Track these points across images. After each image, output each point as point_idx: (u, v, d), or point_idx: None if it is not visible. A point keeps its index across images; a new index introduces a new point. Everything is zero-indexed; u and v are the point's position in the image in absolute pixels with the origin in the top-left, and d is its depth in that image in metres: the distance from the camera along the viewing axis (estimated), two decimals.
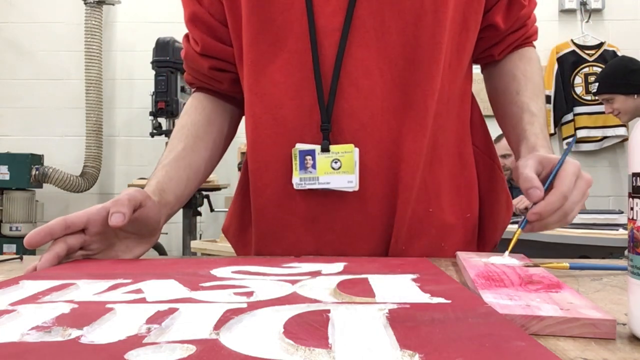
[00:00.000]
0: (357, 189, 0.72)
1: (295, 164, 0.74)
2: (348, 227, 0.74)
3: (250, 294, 0.42)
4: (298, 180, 0.74)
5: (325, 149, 0.73)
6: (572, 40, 3.91)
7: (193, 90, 0.92)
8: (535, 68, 0.87)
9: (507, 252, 0.61)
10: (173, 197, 0.77)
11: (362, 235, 0.74)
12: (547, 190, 0.64)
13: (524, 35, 0.87)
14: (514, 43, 0.87)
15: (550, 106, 3.91)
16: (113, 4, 3.98)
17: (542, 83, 0.87)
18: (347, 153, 0.72)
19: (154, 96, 3.49)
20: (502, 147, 3.09)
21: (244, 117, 0.83)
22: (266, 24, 0.75)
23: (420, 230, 0.76)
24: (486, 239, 0.85)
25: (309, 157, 0.74)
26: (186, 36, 0.88)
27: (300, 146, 0.74)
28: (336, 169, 0.73)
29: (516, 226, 0.66)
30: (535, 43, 0.91)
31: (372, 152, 0.73)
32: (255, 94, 0.77)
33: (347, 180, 0.72)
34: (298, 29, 0.74)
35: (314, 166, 0.74)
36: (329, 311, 0.36)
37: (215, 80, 0.87)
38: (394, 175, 0.74)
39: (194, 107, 0.88)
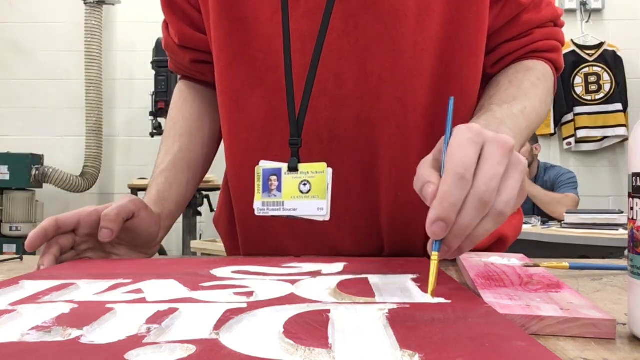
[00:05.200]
0: (327, 218, 0.61)
1: (258, 185, 0.64)
2: (330, 232, 0.70)
3: (250, 294, 0.42)
4: (260, 205, 0.63)
5: (293, 168, 0.62)
6: (572, 41, 3.91)
7: (179, 77, 0.88)
8: (529, 76, 0.70)
9: (428, 294, 0.41)
10: (175, 204, 0.75)
11: (346, 239, 0.72)
12: None
13: (527, 45, 0.73)
14: (512, 54, 0.73)
15: (550, 106, 3.90)
16: (113, 4, 3.98)
17: (533, 90, 0.69)
18: (319, 174, 0.61)
19: (154, 96, 3.49)
20: None
21: None
22: (236, 22, 0.70)
23: (410, 234, 0.71)
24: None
25: (273, 178, 0.63)
26: (165, 23, 0.83)
27: (264, 164, 0.64)
28: (305, 193, 0.62)
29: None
30: None
31: (348, 168, 0.68)
32: (228, 98, 0.73)
33: (316, 207, 0.61)
34: (269, 29, 0.68)
35: (279, 188, 0.63)
36: (329, 311, 0.36)
37: (199, 72, 0.83)
38: (373, 191, 0.69)
39: (184, 99, 0.84)
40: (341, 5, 0.65)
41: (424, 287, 0.43)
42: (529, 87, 0.68)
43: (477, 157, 0.43)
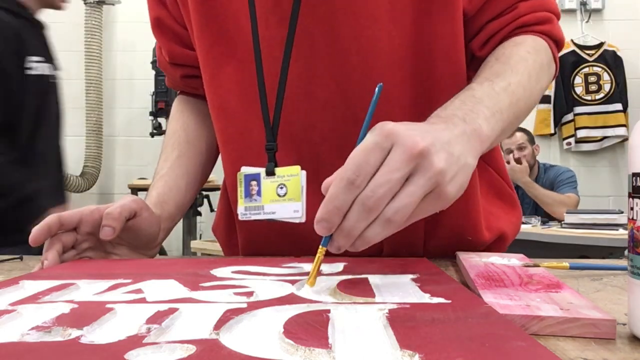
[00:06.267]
0: (303, 220, 0.61)
1: (240, 190, 0.65)
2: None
3: (250, 294, 0.42)
4: (243, 210, 0.65)
5: (270, 172, 0.63)
6: (572, 41, 3.91)
7: (177, 93, 0.91)
8: (518, 51, 0.66)
9: (306, 285, 0.44)
10: (174, 207, 0.76)
11: None
12: None
13: (512, 21, 0.69)
14: (499, 33, 0.70)
15: (551, 106, 3.91)
16: (113, 4, 3.98)
17: (521, 64, 0.65)
18: (293, 176, 0.62)
19: (154, 96, 3.49)
20: (511, 142, 3.09)
21: None
22: (218, 34, 0.72)
23: (410, 234, 0.69)
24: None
25: (254, 183, 0.65)
26: (159, 44, 0.86)
27: (245, 170, 0.65)
28: (282, 196, 0.63)
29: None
30: None
31: (333, 169, 0.69)
32: (216, 108, 0.75)
33: (292, 210, 0.61)
34: (247, 38, 0.69)
35: (259, 193, 0.64)
36: (329, 311, 0.36)
37: (191, 87, 0.86)
38: None
39: (181, 111, 0.87)
40: (313, 10, 0.66)
41: (424, 287, 0.43)
42: (517, 61, 0.65)
43: (378, 162, 0.43)
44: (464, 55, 0.71)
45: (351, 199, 0.43)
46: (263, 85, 0.67)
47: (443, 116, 0.53)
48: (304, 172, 0.62)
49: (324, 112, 0.69)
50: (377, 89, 0.50)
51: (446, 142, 0.46)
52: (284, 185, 0.62)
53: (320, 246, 0.45)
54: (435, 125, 0.50)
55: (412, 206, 0.43)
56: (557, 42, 0.73)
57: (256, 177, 0.64)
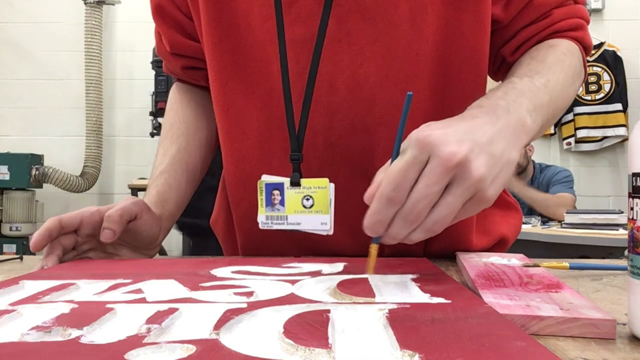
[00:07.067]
0: (331, 232, 0.62)
1: (261, 199, 0.63)
2: (331, 237, 0.68)
3: (250, 294, 0.42)
4: (264, 218, 0.64)
5: (295, 183, 0.62)
6: None
7: (174, 80, 0.88)
8: (554, 52, 0.66)
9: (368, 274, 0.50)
10: (175, 206, 0.76)
11: (347, 243, 0.70)
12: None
13: (547, 27, 0.70)
14: (532, 39, 0.70)
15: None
16: (113, 4, 3.98)
17: (557, 65, 0.64)
18: (321, 189, 0.61)
19: (154, 96, 3.49)
20: None
21: None
22: (228, 29, 0.69)
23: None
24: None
25: (276, 192, 0.63)
26: (157, 30, 0.83)
27: (266, 178, 0.64)
28: (308, 208, 0.62)
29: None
30: None
31: (344, 175, 0.67)
32: (220, 107, 0.73)
33: (320, 222, 0.61)
34: (261, 36, 0.67)
35: (282, 203, 0.63)
36: (329, 311, 0.36)
37: (191, 78, 0.84)
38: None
39: (178, 101, 0.84)
40: (334, 11, 0.64)
41: (424, 287, 0.43)
42: (553, 61, 0.65)
43: (416, 176, 0.44)
44: (487, 63, 0.70)
45: (392, 213, 0.45)
46: (289, 91, 0.65)
47: (485, 106, 0.52)
48: (332, 185, 0.62)
49: (333, 118, 0.67)
50: (406, 98, 0.49)
51: (487, 142, 0.46)
52: (311, 197, 0.62)
53: (372, 243, 0.50)
54: (476, 119, 0.49)
55: (451, 216, 0.45)
56: (586, 48, 0.74)
57: (279, 187, 0.63)
